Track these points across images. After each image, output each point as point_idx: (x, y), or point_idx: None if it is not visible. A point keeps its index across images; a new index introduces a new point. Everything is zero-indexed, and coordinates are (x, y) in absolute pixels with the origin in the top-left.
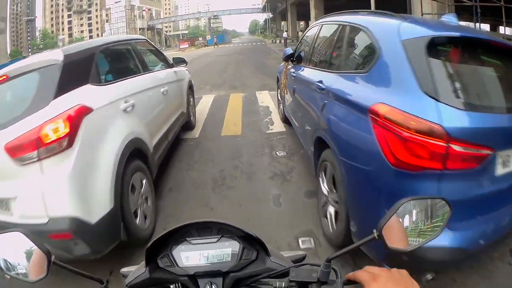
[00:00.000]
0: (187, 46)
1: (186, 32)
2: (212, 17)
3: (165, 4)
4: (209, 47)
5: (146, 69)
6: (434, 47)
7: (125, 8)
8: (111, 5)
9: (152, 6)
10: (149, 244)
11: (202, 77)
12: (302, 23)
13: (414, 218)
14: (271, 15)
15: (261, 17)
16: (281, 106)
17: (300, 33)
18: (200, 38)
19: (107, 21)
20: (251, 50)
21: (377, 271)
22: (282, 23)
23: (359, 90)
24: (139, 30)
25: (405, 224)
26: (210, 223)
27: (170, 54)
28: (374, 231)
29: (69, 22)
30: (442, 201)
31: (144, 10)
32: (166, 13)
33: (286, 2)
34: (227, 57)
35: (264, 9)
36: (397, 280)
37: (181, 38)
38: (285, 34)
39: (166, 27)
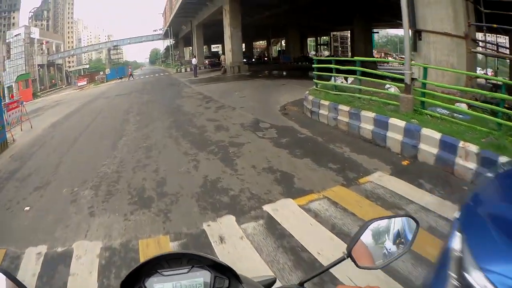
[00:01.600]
0: (86, 83)
1: (88, 66)
2: (112, 48)
3: (68, 38)
4: (111, 82)
5: None
6: None
7: (24, 42)
8: (11, 38)
9: (53, 39)
10: (123, 279)
11: (73, 159)
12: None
13: (380, 238)
14: (173, 42)
15: (162, 45)
16: None
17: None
18: (101, 73)
19: (8, 57)
20: (156, 83)
21: None
22: (185, 49)
23: None
24: (38, 67)
25: (372, 243)
26: (179, 254)
27: (58, 96)
28: (344, 252)
29: None
30: (409, 218)
31: (42, 43)
32: (69, 46)
33: (191, 24)
34: (127, 97)
35: (166, 35)
36: None
37: (82, 73)
38: (194, 61)
39: (69, 62)
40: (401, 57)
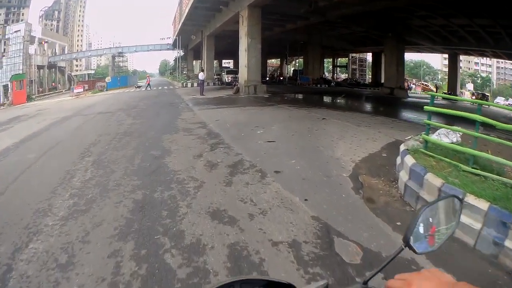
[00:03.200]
0: (82, 90)
1: (93, 72)
2: (117, 55)
3: (77, 41)
4: (110, 91)
5: None
6: None
7: (23, 39)
8: (10, 34)
9: (57, 40)
10: None
11: None
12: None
13: (433, 221)
14: (182, 53)
15: (173, 56)
16: None
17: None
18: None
19: (3, 55)
20: (154, 100)
21: (408, 276)
22: (194, 62)
23: None
24: (36, 68)
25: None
26: (232, 283)
27: (48, 103)
28: (402, 243)
29: None
30: (453, 197)
31: (41, 43)
32: (77, 50)
33: (202, 34)
34: (107, 118)
35: (174, 45)
36: (430, 279)
37: (87, 78)
38: (201, 75)
39: (76, 65)
40: (424, 84)
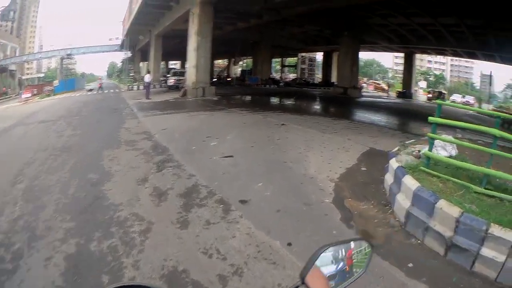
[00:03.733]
0: (30, 95)
1: (43, 75)
2: (66, 57)
3: (30, 42)
4: (58, 96)
5: None
6: None
7: None
8: None
9: (7, 41)
10: None
11: None
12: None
13: (336, 262)
14: (130, 54)
15: (120, 57)
16: None
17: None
18: (55, 82)
19: None
20: (98, 105)
21: None
22: (142, 64)
23: None
24: None
25: (328, 268)
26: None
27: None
28: (298, 279)
29: None
30: (363, 241)
31: None
32: (29, 52)
33: (150, 34)
34: (47, 128)
35: (122, 46)
36: None
37: (37, 82)
38: (147, 78)
39: (28, 68)
40: (376, 82)
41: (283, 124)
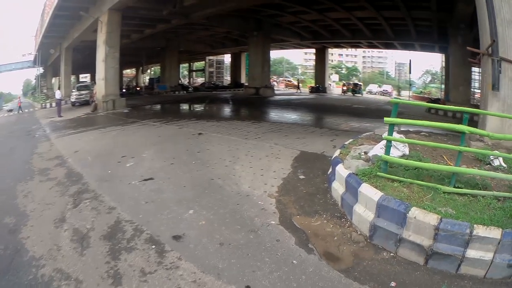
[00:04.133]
0: None
1: None
2: None
3: None
4: None
5: None
6: None
7: None
8: None
9: None
10: None
11: None
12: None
13: None
14: (42, 70)
15: (33, 74)
16: None
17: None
18: None
19: None
20: (11, 128)
21: None
22: (54, 79)
23: None
24: None
25: None
26: None
27: None
28: None
29: None
30: None
31: None
32: None
33: (60, 47)
34: None
35: (35, 62)
36: None
37: None
38: (57, 94)
39: None
40: (287, 80)
41: (200, 134)
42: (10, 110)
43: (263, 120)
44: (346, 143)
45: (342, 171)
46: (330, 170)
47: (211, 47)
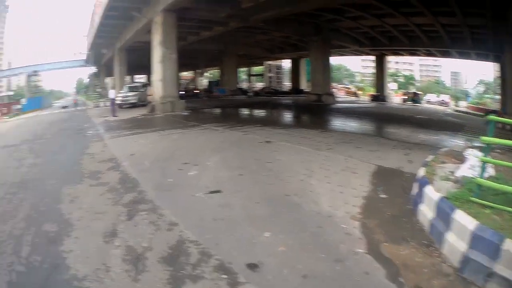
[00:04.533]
0: None
1: (12, 93)
2: (32, 74)
3: None
4: (26, 114)
5: None
6: None
7: None
8: None
9: None
10: None
11: None
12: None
13: None
14: (95, 69)
15: (87, 73)
16: None
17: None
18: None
19: None
20: (63, 125)
21: None
22: (108, 79)
23: None
24: None
25: None
26: None
27: None
28: None
29: None
30: None
31: None
32: None
33: (114, 48)
34: (13, 151)
35: (87, 61)
36: None
37: (7, 100)
38: (112, 93)
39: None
40: (346, 87)
41: (268, 142)
42: (65, 107)
43: (331, 129)
44: (427, 160)
45: (432, 193)
46: (416, 190)
47: (269, 51)
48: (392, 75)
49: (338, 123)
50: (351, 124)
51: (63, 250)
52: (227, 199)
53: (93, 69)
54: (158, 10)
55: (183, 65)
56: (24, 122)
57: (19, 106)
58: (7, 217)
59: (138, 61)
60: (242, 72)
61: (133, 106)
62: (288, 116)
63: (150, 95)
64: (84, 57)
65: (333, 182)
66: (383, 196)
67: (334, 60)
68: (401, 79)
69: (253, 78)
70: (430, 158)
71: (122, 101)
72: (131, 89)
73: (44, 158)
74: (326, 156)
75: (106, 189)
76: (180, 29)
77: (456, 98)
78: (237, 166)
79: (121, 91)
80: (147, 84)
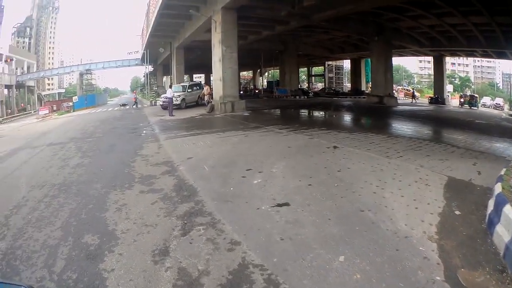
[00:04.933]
0: (48, 111)
1: (63, 91)
2: (85, 72)
3: (49, 58)
4: (77, 112)
5: None
6: None
7: None
8: None
9: (24, 57)
10: None
11: None
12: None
13: None
14: (151, 68)
15: (142, 71)
16: None
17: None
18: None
19: None
20: (115, 123)
21: None
22: (165, 78)
23: None
24: (4, 87)
25: None
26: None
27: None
28: None
29: None
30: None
31: (7, 61)
32: (49, 67)
33: (171, 46)
34: (59, 149)
35: (142, 60)
36: None
37: (57, 98)
38: (169, 93)
39: (49, 84)
40: (406, 89)
41: (336, 147)
42: (124, 105)
43: (398, 134)
44: (501, 173)
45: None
46: (492, 208)
47: (330, 51)
48: (448, 76)
49: (403, 127)
50: (416, 129)
51: (104, 269)
52: (296, 214)
53: (148, 68)
54: (217, 8)
55: (242, 65)
56: (74, 119)
57: (70, 104)
58: (43, 223)
59: (196, 60)
60: (302, 72)
61: (179, 107)
62: (352, 119)
63: (204, 95)
64: (139, 55)
65: (407, 196)
66: (457, 212)
67: (393, 61)
68: (457, 81)
69: (312, 78)
70: (503, 171)
71: (164, 102)
72: (178, 89)
73: (92, 159)
74: (397, 165)
75: (158, 196)
76: (240, 28)
77: (510, 102)
78: (305, 174)
79: (169, 90)
80: (197, 84)
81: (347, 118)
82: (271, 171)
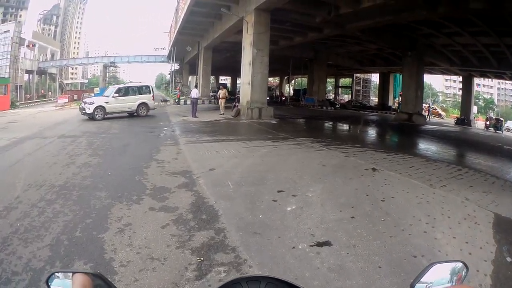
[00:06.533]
0: (67, 100)
1: (87, 81)
2: (109, 64)
3: (74, 48)
4: None
5: None
6: None
7: (11, 41)
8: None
9: (47, 44)
10: None
11: None
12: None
13: (439, 278)
14: (177, 66)
15: (167, 68)
16: None
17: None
18: (96, 89)
19: None
20: (134, 121)
21: None
22: (190, 77)
23: None
24: (25, 72)
25: (431, 285)
26: (259, 277)
27: (22, 114)
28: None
29: None
30: (461, 263)
31: (29, 46)
32: (74, 57)
33: (199, 46)
34: (69, 143)
35: (169, 57)
36: None
37: (80, 88)
38: (194, 93)
39: (72, 73)
40: (432, 107)
41: (375, 169)
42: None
43: (435, 158)
44: None
45: None
46: None
47: (359, 63)
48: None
49: (438, 149)
50: (451, 153)
51: None
52: (340, 259)
53: (174, 66)
54: (250, 9)
55: (270, 70)
56: None
57: (92, 95)
58: (31, 236)
59: (223, 62)
60: (329, 83)
61: (91, 118)
62: (384, 137)
63: (222, 98)
64: (165, 52)
65: (459, 237)
66: (509, 259)
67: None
68: (481, 102)
69: (339, 90)
70: None
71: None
72: (119, 92)
73: (101, 158)
74: (443, 196)
75: (171, 217)
76: (272, 32)
77: None
78: (346, 203)
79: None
80: (139, 88)
81: (379, 135)
82: (307, 196)
